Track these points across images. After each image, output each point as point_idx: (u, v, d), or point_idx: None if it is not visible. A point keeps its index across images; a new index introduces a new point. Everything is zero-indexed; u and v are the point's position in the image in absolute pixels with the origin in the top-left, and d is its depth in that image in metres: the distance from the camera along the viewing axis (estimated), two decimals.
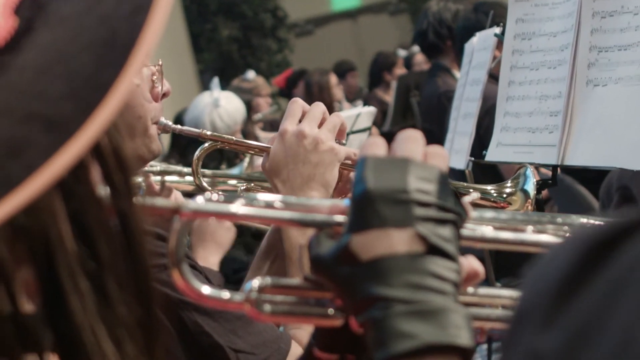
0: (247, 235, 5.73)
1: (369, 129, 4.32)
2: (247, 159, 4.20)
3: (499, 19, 3.71)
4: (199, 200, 1.13)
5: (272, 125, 8.40)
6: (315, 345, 1.25)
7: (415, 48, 9.08)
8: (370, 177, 1.07)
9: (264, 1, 18.25)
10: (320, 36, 19.60)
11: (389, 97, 9.46)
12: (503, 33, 2.94)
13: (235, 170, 4.40)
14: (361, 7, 19.50)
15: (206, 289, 1.15)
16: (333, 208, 1.15)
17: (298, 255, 1.94)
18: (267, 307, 1.16)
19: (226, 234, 3.29)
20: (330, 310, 1.17)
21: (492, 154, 2.72)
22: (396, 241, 1.04)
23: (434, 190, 1.07)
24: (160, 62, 2.07)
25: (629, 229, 0.54)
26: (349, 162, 2.07)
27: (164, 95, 2.08)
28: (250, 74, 9.16)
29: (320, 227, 1.14)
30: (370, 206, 1.05)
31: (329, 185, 2.01)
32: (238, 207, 1.14)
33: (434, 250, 1.04)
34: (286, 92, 10.51)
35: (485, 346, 4.04)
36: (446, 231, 1.06)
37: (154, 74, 2.05)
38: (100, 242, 0.95)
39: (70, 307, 0.92)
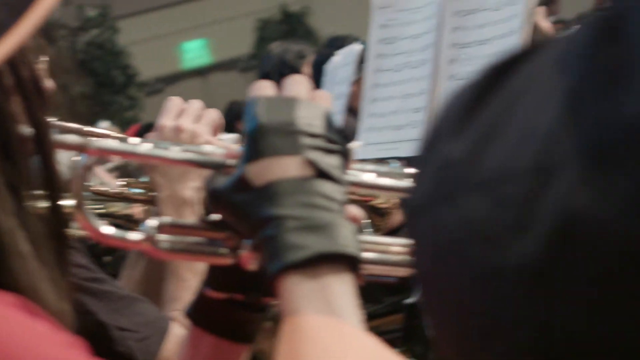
0: None
1: None
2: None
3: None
4: (106, 139, 1.18)
5: (122, 170, 8.34)
6: (207, 285, 1.31)
7: None
8: (261, 113, 1.14)
9: (116, 58, 18.20)
10: (170, 94, 19.44)
11: None
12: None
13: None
14: (211, 64, 19.61)
15: (106, 229, 1.18)
16: (228, 153, 1.21)
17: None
18: (165, 245, 1.20)
19: None
20: (223, 250, 1.23)
21: (358, 154, 2.78)
22: (287, 167, 1.10)
23: (321, 125, 1.14)
24: (46, 58, 2.07)
25: (530, 50, 0.60)
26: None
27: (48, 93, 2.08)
28: (103, 124, 9.10)
29: (216, 168, 1.20)
30: (263, 138, 1.12)
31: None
32: (141, 147, 1.19)
33: (322, 174, 1.11)
34: None
35: None
36: (333, 160, 1.13)
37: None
38: (17, 154, 1.01)
39: None
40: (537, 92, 0.54)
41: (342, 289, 1.05)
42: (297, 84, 1.19)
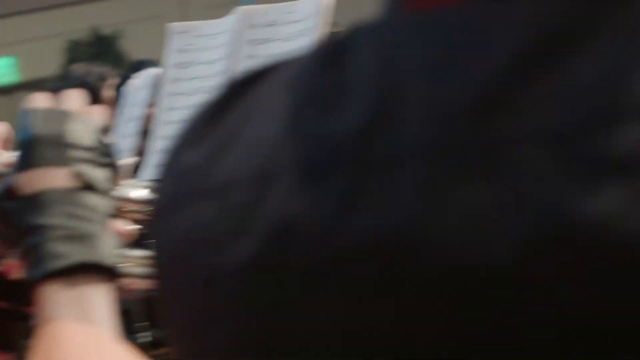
0: None
1: None
2: None
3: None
4: None
5: None
6: None
7: None
8: (34, 124, 1.17)
9: None
10: None
11: None
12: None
13: None
14: (18, 83, 19.13)
15: None
16: (4, 162, 1.22)
17: None
18: None
19: None
20: None
21: (150, 175, 2.80)
22: (55, 177, 1.13)
23: (92, 138, 1.18)
24: None
25: (267, 70, 0.64)
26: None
27: None
28: None
29: None
30: (34, 149, 1.15)
31: None
32: None
33: (88, 187, 1.14)
34: None
35: None
36: (100, 173, 1.16)
37: None
38: None
39: None
40: (268, 108, 0.58)
41: (99, 298, 1.09)
42: (72, 98, 1.22)
